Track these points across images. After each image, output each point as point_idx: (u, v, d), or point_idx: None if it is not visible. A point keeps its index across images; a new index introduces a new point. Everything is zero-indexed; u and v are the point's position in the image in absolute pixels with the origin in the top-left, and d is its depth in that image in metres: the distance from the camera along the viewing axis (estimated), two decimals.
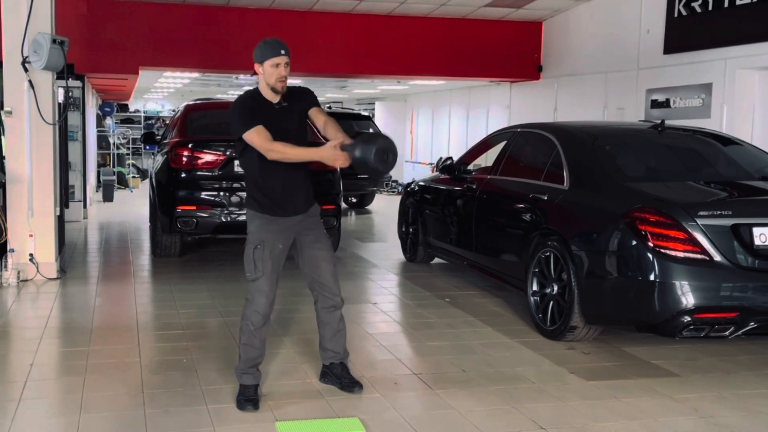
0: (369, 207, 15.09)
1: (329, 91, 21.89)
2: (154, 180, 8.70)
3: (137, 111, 28.68)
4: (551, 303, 5.51)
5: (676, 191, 5.24)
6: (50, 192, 7.28)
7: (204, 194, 7.87)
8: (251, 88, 4.20)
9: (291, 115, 4.13)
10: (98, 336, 5.45)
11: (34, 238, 7.17)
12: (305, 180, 4.24)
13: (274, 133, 3.96)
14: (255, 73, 4.10)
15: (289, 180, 4.13)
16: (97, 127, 18.91)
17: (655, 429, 3.93)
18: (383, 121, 20.63)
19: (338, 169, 8.32)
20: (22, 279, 7.10)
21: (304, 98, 4.22)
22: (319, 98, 4.38)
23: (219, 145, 7.92)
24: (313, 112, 4.19)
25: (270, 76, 4.02)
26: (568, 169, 5.75)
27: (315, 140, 4.79)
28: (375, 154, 3.85)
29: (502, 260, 6.46)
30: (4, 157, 7.49)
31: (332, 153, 3.92)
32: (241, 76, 17.02)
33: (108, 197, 15.59)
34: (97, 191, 16.77)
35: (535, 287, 5.71)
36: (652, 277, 4.72)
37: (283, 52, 4.02)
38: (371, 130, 13.94)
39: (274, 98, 4.09)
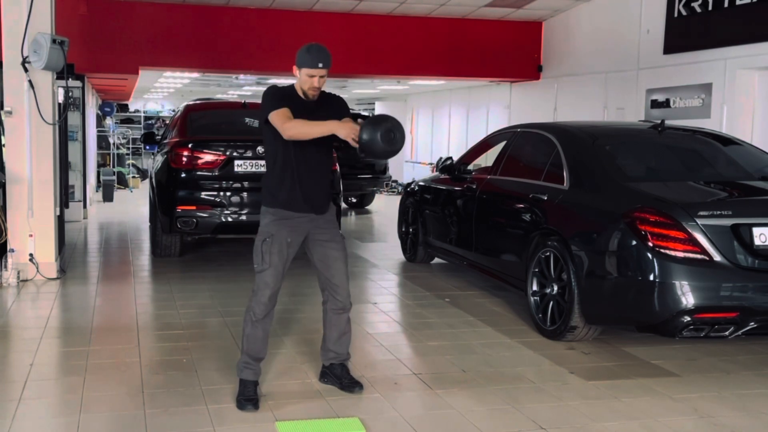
0: (369, 207, 15.08)
1: (329, 91, 21.82)
2: (154, 180, 8.70)
3: (137, 111, 28.65)
4: (551, 303, 5.51)
5: (676, 191, 5.24)
6: (50, 192, 7.28)
7: (204, 194, 7.87)
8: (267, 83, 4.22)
9: (320, 116, 4.04)
10: (98, 336, 5.45)
11: (34, 238, 7.17)
12: (325, 179, 4.24)
13: None
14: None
15: (310, 176, 4.13)
16: (97, 127, 18.91)
17: (655, 429, 3.93)
18: None
19: (338, 169, 8.33)
20: (22, 279, 7.10)
21: (337, 106, 4.25)
22: None
23: (219, 145, 7.92)
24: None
25: (303, 83, 4.07)
26: (568, 169, 5.75)
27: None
28: (382, 135, 3.85)
29: (502, 260, 6.46)
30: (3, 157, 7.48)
31: (352, 128, 3.88)
32: (241, 76, 17.01)
33: (108, 197, 15.59)
34: (97, 191, 16.76)
35: (535, 287, 5.71)
36: (651, 277, 4.72)
37: (321, 65, 4.01)
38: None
39: (306, 97, 4.13)
